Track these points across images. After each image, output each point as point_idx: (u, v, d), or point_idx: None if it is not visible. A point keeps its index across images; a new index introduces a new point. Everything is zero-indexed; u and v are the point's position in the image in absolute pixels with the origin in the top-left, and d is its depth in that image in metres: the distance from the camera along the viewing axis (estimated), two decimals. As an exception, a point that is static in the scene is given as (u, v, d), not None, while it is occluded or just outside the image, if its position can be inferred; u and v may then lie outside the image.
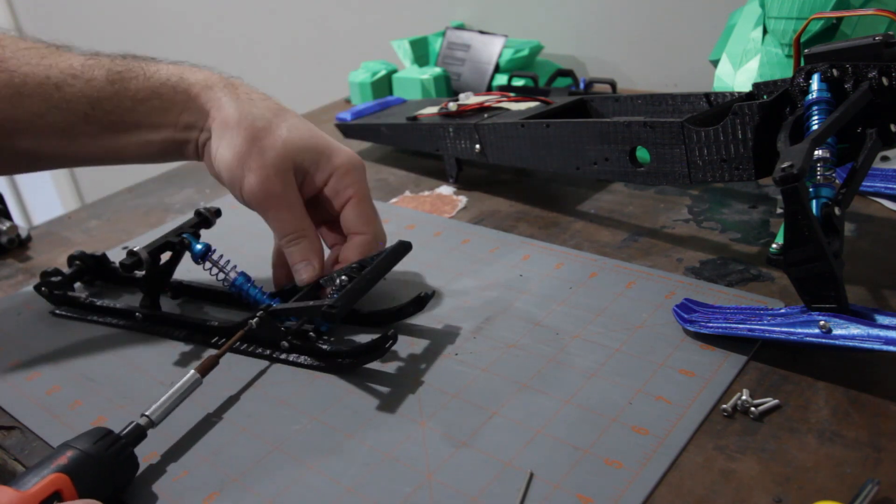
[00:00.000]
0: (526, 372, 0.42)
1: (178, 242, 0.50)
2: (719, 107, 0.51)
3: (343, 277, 0.46)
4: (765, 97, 0.49)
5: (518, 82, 0.81)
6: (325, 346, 0.45)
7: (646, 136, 0.51)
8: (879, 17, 0.48)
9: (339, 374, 0.44)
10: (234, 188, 0.48)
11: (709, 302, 0.46)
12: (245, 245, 0.61)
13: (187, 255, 0.51)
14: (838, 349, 0.39)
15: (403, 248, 0.48)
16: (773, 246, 0.49)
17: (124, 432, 0.37)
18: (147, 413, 0.39)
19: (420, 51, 0.94)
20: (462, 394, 0.41)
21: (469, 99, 0.70)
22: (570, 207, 0.62)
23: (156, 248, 0.49)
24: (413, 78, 0.86)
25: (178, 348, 0.49)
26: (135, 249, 0.48)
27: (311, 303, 0.44)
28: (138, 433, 0.38)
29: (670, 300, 0.47)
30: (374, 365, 0.44)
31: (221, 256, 0.50)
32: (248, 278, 0.50)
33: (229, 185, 0.48)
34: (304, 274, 0.48)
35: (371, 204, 0.51)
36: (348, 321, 0.49)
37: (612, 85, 0.80)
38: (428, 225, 0.61)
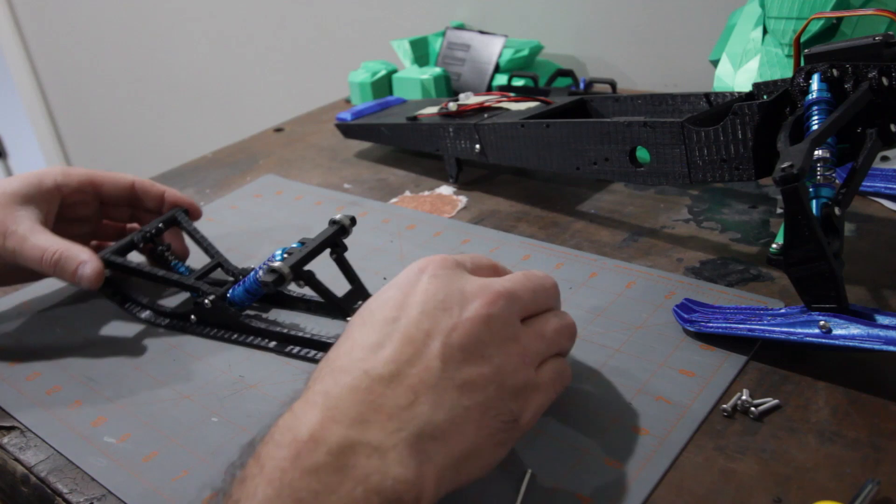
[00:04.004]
0: (526, 372, 0.42)
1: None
2: (719, 107, 0.51)
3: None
4: (765, 97, 0.49)
5: (518, 82, 0.81)
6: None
7: (646, 136, 0.51)
8: (879, 17, 0.48)
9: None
10: None
11: (709, 302, 0.46)
12: (243, 245, 0.61)
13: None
14: (838, 349, 0.39)
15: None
16: (773, 246, 0.49)
17: None
18: None
19: (420, 51, 0.94)
20: (462, 394, 0.41)
21: (469, 99, 0.70)
22: (570, 207, 0.62)
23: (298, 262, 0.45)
24: (413, 78, 0.86)
25: (178, 348, 0.49)
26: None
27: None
28: None
29: (670, 300, 0.47)
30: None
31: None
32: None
33: None
34: (87, 270, 0.48)
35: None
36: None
37: (612, 85, 0.80)
38: (428, 225, 0.61)
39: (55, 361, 0.49)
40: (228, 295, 0.50)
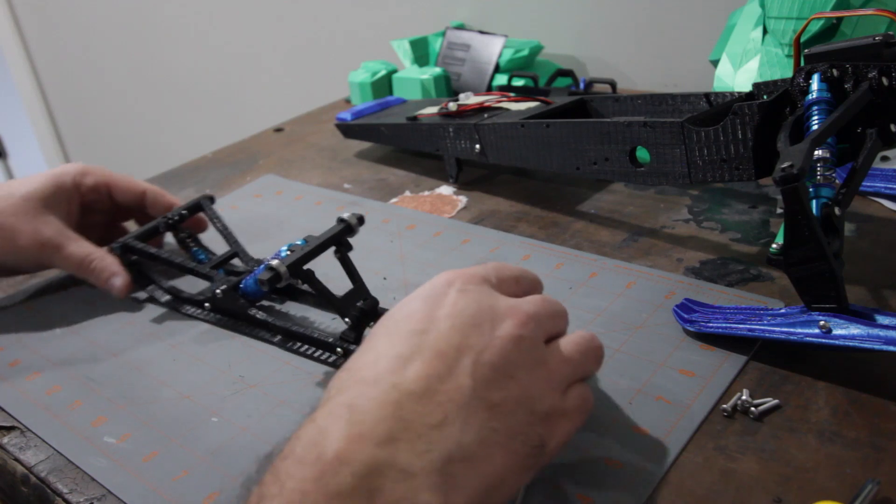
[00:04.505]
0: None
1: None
2: (719, 107, 0.51)
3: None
4: (765, 97, 0.49)
5: (518, 82, 0.81)
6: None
7: (646, 136, 0.51)
8: (879, 17, 0.48)
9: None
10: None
11: (709, 302, 0.46)
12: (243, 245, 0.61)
13: None
14: (838, 349, 0.39)
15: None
16: (773, 246, 0.49)
17: None
18: None
19: (420, 51, 0.94)
20: (462, 394, 0.41)
21: (469, 99, 0.70)
22: (570, 207, 0.62)
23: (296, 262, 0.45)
24: (413, 78, 0.86)
25: (177, 348, 0.49)
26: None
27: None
28: None
29: (670, 300, 0.47)
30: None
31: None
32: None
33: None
34: (118, 282, 0.53)
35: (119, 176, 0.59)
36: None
37: (612, 85, 0.80)
38: (428, 225, 0.61)
39: (55, 361, 0.49)
40: (241, 286, 0.50)
